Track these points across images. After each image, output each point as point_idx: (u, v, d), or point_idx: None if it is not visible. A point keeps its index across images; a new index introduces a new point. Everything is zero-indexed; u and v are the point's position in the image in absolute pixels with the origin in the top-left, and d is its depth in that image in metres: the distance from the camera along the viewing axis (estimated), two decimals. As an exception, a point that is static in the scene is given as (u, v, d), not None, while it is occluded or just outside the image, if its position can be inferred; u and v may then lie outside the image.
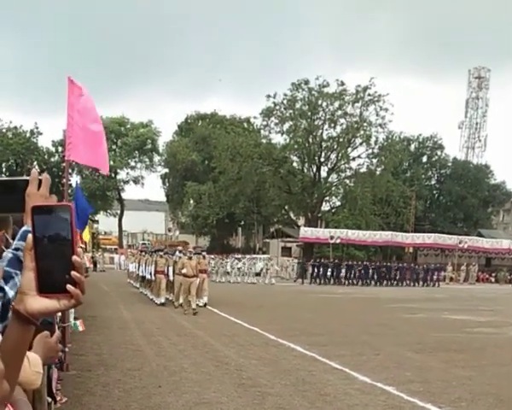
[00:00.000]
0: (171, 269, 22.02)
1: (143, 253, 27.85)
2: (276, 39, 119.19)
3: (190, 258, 20.52)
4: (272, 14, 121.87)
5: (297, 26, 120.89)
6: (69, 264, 1.19)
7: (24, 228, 1.73)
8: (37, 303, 1.22)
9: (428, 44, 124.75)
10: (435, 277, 47.72)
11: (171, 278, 22.01)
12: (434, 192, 74.50)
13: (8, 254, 1.75)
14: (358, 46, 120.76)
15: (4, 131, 62.22)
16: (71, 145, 9.37)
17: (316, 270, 44.94)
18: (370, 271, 45.65)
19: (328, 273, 44.77)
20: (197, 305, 20.12)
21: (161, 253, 23.25)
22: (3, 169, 61.56)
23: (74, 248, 1.19)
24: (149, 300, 23.23)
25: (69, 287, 1.19)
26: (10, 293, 1.53)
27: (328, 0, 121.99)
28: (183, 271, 20.10)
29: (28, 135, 62.93)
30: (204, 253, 24.94)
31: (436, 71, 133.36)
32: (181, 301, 20.74)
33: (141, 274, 26.36)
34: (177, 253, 22.48)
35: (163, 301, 21.77)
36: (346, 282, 44.35)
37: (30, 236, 1.22)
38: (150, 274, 23.23)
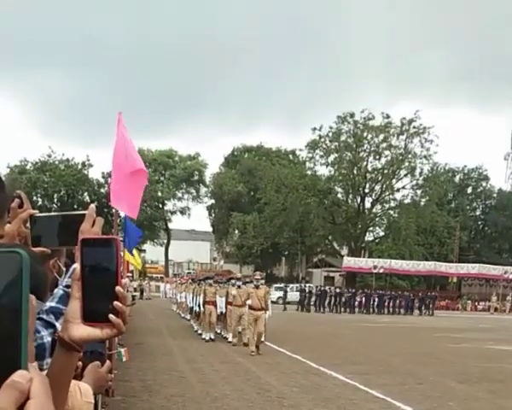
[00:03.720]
0: (222, 300, 19.74)
1: (192, 281, 26.28)
2: (323, 72, 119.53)
3: (257, 287, 17.42)
4: (320, 47, 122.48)
5: (346, 58, 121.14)
6: (113, 294, 1.22)
7: (74, 266, 1.90)
8: (81, 331, 1.26)
9: (479, 77, 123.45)
10: (431, 305, 47.08)
11: (222, 310, 19.82)
12: (479, 223, 73.36)
13: (59, 290, 1.87)
14: (409, 79, 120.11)
15: (57, 163, 63.83)
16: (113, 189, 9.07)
17: (337, 298, 45.18)
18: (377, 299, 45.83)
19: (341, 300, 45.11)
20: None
21: (211, 281, 20.78)
22: (55, 200, 63.06)
23: (118, 279, 1.23)
24: (197, 334, 21.20)
25: (111, 317, 1.22)
26: None
27: (379, 34, 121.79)
28: (249, 302, 17.18)
29: (80, 167, 64.40)
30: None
31: (484, 102, 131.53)
32: (242, 339, 18.36)
33: (189, 305, 24.34)
34: (233, 281, 20.10)
35: (212, 337, 19.41)
36: (364, 310, 44.63)
37: (78, 266, 1.26)
38: (198, 305, 20.64)
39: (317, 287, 47.30)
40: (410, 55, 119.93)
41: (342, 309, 44.35)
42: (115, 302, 1.22)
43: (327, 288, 47.45)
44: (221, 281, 21.42)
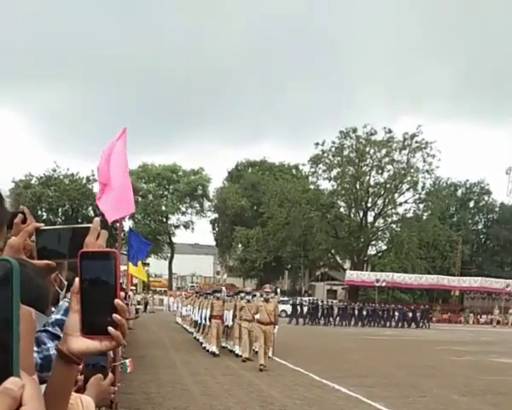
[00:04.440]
0: (229, 313, 19.18)
1: (197, 294, 25.79)
2: (326, 87, 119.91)
3: (267, 300, 16.97)
4: (322, 62, 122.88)
5: (349, 73, 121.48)
6: (112, 307, 1.23)
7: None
8: (80, 344, 1.27)
9: (481, 91, 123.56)
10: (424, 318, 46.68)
11: (229, 323, 19.27)
12: (481, 237, 73.35)
13: (64, 303, 1.91)
14: (411, 94, 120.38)
15: (62, 177, 64.04)
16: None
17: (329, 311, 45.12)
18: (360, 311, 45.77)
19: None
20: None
21: (219, 294, 20.30)
22: (59, 214, 63.21)
23: (117, 292, 1.24)
24: (201, 347, 20.75)
25: (110, 329, 1.23)
26: None
27: (382, 50, 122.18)
28: (257, 316, 16.67)
29: (84, 181, 64.61)
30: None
31: (486, 117, 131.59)
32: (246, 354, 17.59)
33: (194, 318, 23.92)
34: (242, 294, 19.72)
35: (216, 351, 18.70)
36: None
37: (77, 279, 1.27)
38: (205, 319, 20.03)
39: (309, 300, 47.22)
40: (412, 70, 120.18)
41: (335, 322, 44.17)
42: (114, 315, 1.23)
43: (319, 301, 47.38)
44: (229, 294, 21.13)
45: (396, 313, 46.32)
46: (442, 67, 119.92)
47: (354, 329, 40.85)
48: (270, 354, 17.19)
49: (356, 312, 45.72)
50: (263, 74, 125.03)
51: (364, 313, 45.63)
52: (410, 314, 46.41)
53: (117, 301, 1.23)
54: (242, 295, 19.45)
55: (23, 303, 0.89)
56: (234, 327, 19.16)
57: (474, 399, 12.61)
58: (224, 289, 23.04)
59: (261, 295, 18.02)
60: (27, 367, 1.02)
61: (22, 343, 0.99)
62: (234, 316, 19.05)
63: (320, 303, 45.86)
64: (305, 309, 44.27)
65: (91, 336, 1.25)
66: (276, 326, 16.98)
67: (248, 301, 18.34)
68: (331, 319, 44.32)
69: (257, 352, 16.34)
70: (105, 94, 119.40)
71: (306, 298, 49.87)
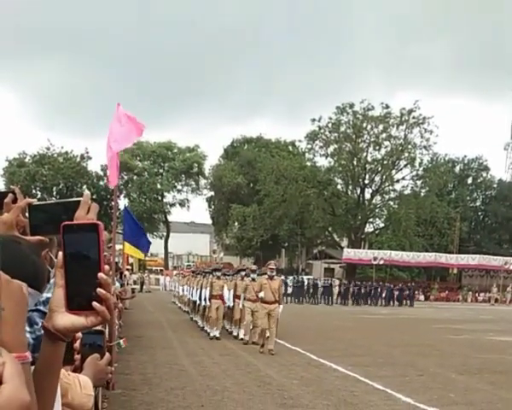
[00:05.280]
0: (230, 293, 18.29)
1: (194, 273, 24.88)
2: (323, 63, 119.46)
3: (271, 278, 15.71)
4: (320, 38, 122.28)
5: (347, 49, 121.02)
6: (96, 281, 1.21)
7: None
8: (65, 320, 1.24)
9: (480, 66, 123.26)
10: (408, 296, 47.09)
11: (230, 304, 18.40)
12: (479, 213, 73.39)
13: (53, 280, 1.91)
14: (410, 68, 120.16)
15: (56, 155, 63.80)
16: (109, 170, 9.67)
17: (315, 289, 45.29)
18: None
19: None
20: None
21: (218, 273, 19.10)
22: (54, 192, 63.09)
23: (101, 265, 1.21)
24: (200, 329, 20.03)
25: (95, 304, 1.21)
26: None
27: (381, 25, 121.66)
28: (261, 294, 15.52)
29: (78, 159, 64.38)
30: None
31: (485, 92, 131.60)
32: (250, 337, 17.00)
33: (192, 299, 22.79)
34: (242, 273, 18.88)
35: (218, 335, 17.80)
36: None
37: (60, 254, 1.24)
38: (204, 299, 18.82)
39: (293, 278, 47.26)
40: (410, 44, 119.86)
41: (322, 301, 44.29)
42: (98, 289, 1.20)
43: (305, 279, 47.49)
44: (228, 273, 20.32)
45: (382, 291, 46.57)
46: (440, 42, 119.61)
47: (347, 308, 41.02)
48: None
49: (342, 290, 46.07)
50: (260, 51, 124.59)
51: (351, 291, 45.97)
52: (396, 293, 46.62)
53: (101, 274, 1.20)
54: (246, 273, 18.46)
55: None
56: (235, 308, 18.33)
57: (472, 377, 12.59)
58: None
59: (265, 273, 16.63)
60: (18, 344, 1.02)
61: (12, 320, 0.99)
62: (235, 296, 18.21)
63: (305, 282, 45.99)
64: (290, 289, 44.27)
65: (76, 311, 1.23)
66: (281, 306, 15.73)
67: (253, 279, 17.29)
68: (315, 297, 44.59)
69: (268, 337, 15.30)
70: (99, 71, 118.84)
71: (290, 277, 49.73)
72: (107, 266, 1.26)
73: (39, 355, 1.32)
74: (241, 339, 17.56)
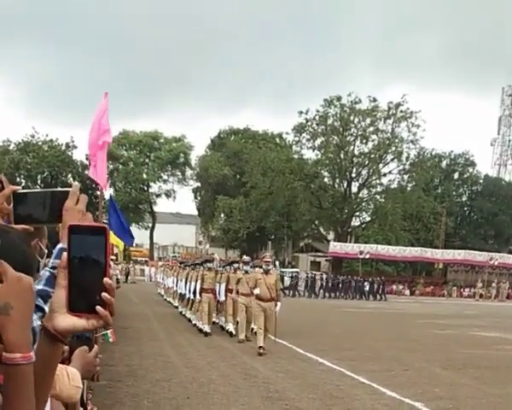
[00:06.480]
0: (222, 287, 17.36)
1: (183, 265, 24.04)
2: (311, 55, 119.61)
3: (267, 272, 14.38)
4: (307, 30, 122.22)
5: (334, 41, 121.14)
6: (101, 285, 1.20)
7: (59, 246, 1.78)
8: (66, 321, 1.24)
9: (467, 61, 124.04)
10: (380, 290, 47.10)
11: (221, 298, 17.53)
12: (465, 209, 73.84)
13: (45, 272, 1.83)
14: (397, 62, 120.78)
15: (40, 143, 63.28)
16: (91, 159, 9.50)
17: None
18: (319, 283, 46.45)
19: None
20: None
21: (210, 265, 17.79)
22: (39, 181, 62.61)
23: (107, 270, 1.22)
24: (191, 324, 18.98)
25: (98, 308, 1.21)
26: None
27: (369, 17, 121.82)
28: (256, 291, 14.24)
29: (63, 148, 63.90)
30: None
31: (472, 87, 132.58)
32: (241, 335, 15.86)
33: (180, 291, 22.00)
34: (235, 265, 18.07)
35: (208, 330, 16.74)
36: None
37: (65, 254, 1.23)
38: (194, 293, 17.83)
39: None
40: (397, 38, 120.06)
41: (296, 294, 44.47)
42: (103, 294, 1.20)
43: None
44: (219, 265, 19.35)
45: (353, 285, 46.83)
46: (428, 36, 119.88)
47: (331, 301, 41.17)
48: (271, 336, 14.76)
49: (323, 283, 46.24)
50: (248, 41, 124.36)
51: (330, 284, 46.28)
52: (367, 286, 46.74)
53: (106, 279, 1.20)
54: (237, 265, 17.82)
55: None
56: (227, 303, 17.39)
57: (456, 372, 12.64)
58: (216, 257, 22.15)
59: (259, 266, 15.33)
60: (24, 344, 1.04)
61: (20, 319, 1.01)
62: (227, 290, 17.36)
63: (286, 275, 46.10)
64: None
65: (78, 313, 1.23)
66: (279, 303, 14.44)
67: (246, 272, 16.46)
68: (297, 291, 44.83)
69: (255, 333, 14.51)
70: (86, 60, 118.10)
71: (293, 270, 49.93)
72: (110, 261, 1.27)
73: (36, 354, 1.27)
74: (231, 334, 16.86)
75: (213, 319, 18.00)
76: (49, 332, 1.25)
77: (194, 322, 18.51)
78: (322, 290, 45.62)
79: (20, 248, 1.49)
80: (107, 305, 1.21)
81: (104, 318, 1.22)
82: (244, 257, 19.58)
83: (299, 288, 45.26)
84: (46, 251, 2.15)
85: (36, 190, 1.85)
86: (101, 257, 1.21)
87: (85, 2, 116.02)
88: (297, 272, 48.71)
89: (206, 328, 16.72)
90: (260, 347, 13.69)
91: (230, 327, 17.20)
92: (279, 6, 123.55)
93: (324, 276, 48.01)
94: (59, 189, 1.79)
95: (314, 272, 50.55)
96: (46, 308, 1.65)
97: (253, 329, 16.28)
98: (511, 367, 13.80)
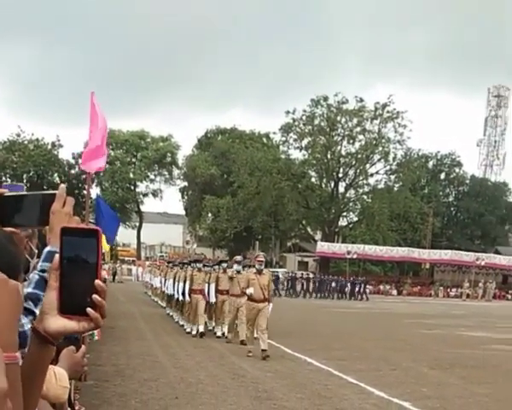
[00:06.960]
0: (212, 287, 16.50)
1: (170, 264, 23.49)
2: (298, 55, 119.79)
3: (260, 272, 13.81)
4: (295, 30, 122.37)
5: (322, 41, 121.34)
6: (92, 287, 1.20)
7: (48, 249, 1.78)
8: (57, 323, 1.23)
9: (454, 62, 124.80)
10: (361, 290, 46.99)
11: (211, 299, 16.60)
12: (452, 209, 74.29)
13: (34, 275, 1.81)
14: (384, 62, 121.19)
15: (26, 142, 62.91)
16: (85, 155, 9.40)
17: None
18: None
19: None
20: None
21: (199, 265, 17.41)
22: (24, 180, 62.21)
23: (98, 272, 1.21)
24: (179, 326, 18.68)
25: (89, 310, 1.20)
26: None
27: (357, 18, 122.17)
28: (249, 291, 13.59)
29: (49, 147, 63.54)
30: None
31: (458, 88, 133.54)
32: (235, 336, 15.50)
33: (167, 292, 21.40)
34: (224, 264, 17.56)
35: (202, 329, 16.30)
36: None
37: (57, 256, 1.23)
38: (183, 294, 17.25)
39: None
40: (384, 38, 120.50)
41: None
42: (94, 296, 1.19)
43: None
44: (208, 265, 18.47)
45: (333, 284, 46.94)
46: (415, 37, 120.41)
47: (314, 301, 41.31)
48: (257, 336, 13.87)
49: (304, 283, 46.42)
50: (235, 41, 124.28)
51: (311, 284, 46.41)
52: (349, 286, 46.79)
53: (98, 282, 1.20)
54: (228, 265, 17.42)
55: None
56: (217, 305, 16.79)
57: (444, 372, 12.71)
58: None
59: (252, 266, 15.00)
60: (10, 345, 1.04)
61: (7, 320, 1.02)
62: (217, 291, 16.63)
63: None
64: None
65: (69, 316, 1.22)
66: (271, 304, 13.91)
67: (238, 272, 15.97)
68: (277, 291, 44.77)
69: (256, 338, 13.76)
70: (71, 58, 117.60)
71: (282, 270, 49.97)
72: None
73: (26, 356, 1.28)
74: (226, 337, 16.09)
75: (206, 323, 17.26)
76: (39, 334, 1.24)
77: (179, 321, 18.54)
78: (303, 290, 45.71)
79: (7, 249, 1.45)
80: (98, 307, 1.20)
81: (95, 320, 1.21)
82: (236, 256, 18.80)
83: (280, 288, 45.17)
84: (36, 251, 2.13)
85: (22, 193, 1.82)
86: (93, 259, 1.20)
87: (68, 2, 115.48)
88: (277, 272, 48.61)
89: (199, 327, 16.30)
90: (264, 350, 13.14)
91: (220, 331, 16.80)
92: (266, 6, 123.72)
93: (305, 275, 47.96)
94: (46, 191, 1.77)
95: (295, 272, 50.53)
96: (37, 311, 1.63)
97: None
98: (498, 367, 13.92)
